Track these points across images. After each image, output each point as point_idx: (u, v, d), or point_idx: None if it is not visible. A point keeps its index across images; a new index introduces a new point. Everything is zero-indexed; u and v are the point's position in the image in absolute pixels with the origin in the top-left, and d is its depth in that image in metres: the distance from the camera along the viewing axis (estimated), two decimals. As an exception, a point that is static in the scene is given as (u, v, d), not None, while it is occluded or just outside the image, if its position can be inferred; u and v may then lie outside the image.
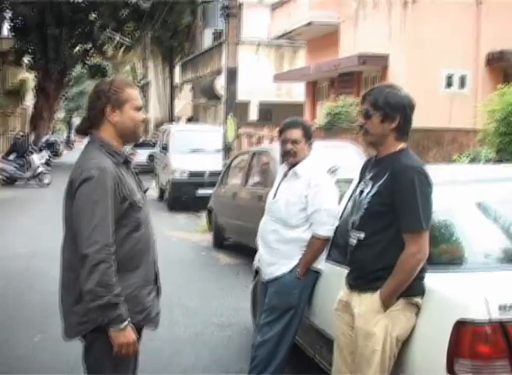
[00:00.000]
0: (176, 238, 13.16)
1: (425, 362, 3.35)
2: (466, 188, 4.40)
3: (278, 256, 4.80)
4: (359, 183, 3.79)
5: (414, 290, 3.46)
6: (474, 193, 4.37)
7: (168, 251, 11.54)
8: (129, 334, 3.16)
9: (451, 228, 4.14)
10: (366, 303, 3.53)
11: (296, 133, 4.82)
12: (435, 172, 4.89)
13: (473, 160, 11.66)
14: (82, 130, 3.44)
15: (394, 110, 3.56)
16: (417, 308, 3.47)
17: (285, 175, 4.94)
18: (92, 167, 3.17)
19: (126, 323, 3.13)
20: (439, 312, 3.36)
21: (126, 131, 3.36)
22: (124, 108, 3.31)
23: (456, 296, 3.31)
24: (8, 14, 38.96)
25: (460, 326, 3.13)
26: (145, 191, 3.56)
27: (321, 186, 4.72)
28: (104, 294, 3.06)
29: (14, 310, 7.29)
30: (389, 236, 3.49)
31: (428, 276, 3.54)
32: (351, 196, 4.64)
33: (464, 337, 3.12)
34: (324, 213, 4.66)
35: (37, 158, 24.48)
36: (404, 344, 3.48)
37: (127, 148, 32.33)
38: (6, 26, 41.08)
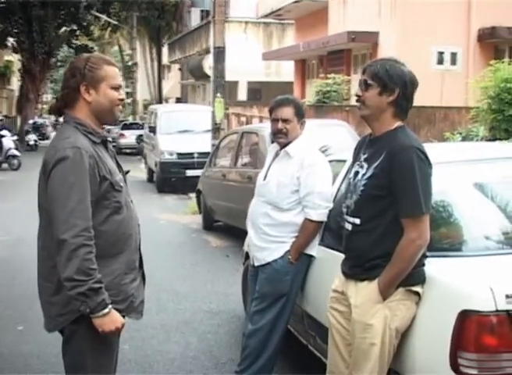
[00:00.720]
0: (165, 220, 12.95)
1: (427, 354, 3.13)
2: (465, 168, 4.18)
3: (268, 241, 4.57)
4: (353, 164, 3.54)
5: (413, 278, 3.23)
6: (475, 172, 4.16)
7: (156, 234, 11.36)
8: (116, 318, 2.98)
9: (451, 210, 3.92)
10: (363, 293, 3.31)
11: (287, 112, 4.58)
12: (431, 150, 4.71)
13: (465, 138, 11.49)
14: (56, 110, 3.20)
15: (394, 82, 3.30)
16: (418, 297, 3.25)
17: (276, 155, 4.71)
18: (66, 146, 2.95)
19: (110, 307, 2.95)
20: (442, 302, 3.14)
21: (102, 111, 3.13)
22: (100, 86, 3.09)
23: (460, 284, 3.08)
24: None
25: (465, 316, 2.92)
26: (126, 173, 3.35)
27: (314, 167, 4.49)
28: (84, 281, 2.86)
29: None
30: (386, 221, 3.26)
31: (428, 262, 3.33)
32: (345, 178, 4.43)
33: (469, 329, 2.91)
34: (317, 196, 4.43)
35: (8, 142, 23.98)
36: (404, 335, 3.27)
37: (116, 130, 32.17)
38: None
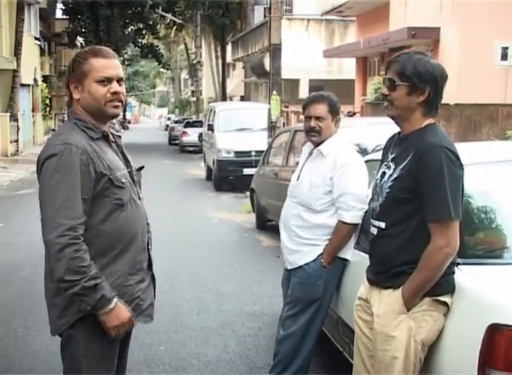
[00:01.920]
0: (219, 219, 12.86)
1: (453, 371, 2.91)
2: (509, 168, 3.90)
3: (301, 243, 4.40)
4: (381, 164, 3.33)
5: (441, 287, 3.00)
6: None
7: (208, 233, 11.31)
8: (121, 313, 2.87)
9: (490, 214, 3.65)
10: (386, 302, 3.09)
11: (320, 109, 4.39)
12: (475, 150, 4.44)
13: (529, 137, 11.06)
14: (68, 106, 3.10)
15: (424, 81, 3.06)
16: (446, 307, 3.02)
17: (309, 154, 4.53)
18: (57, 143, 2.84)
19: (115, 301, 2.83)
20: (470, 314, 2.90)
21: (91, 109, 2.97)
22: (85, 82, 2.93)
23: (490, 295, 2.86)
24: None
25: (494, 331, 2.69)
26: (140, 169, 3.20)
27: (348, 166, 4.28)
28: (76, 281, 2.75)
29: (36, 301, 6.98)
30: (413, 226, 3.03)
31: (460, 269, 3.10)
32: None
33: (499, 345, 2.67)
34: (350, 197, 4.22)
35: None
36: (431, 348, 3.05)
37: (179, 127, 32.11)
38: (59, 8, 41.31)
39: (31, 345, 5.79)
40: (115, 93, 2.95)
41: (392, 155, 3.19)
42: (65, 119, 3.07)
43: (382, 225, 3.16)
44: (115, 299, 2.84)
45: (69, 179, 2.78)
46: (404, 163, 3.05)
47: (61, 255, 2.74)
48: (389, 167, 3.17)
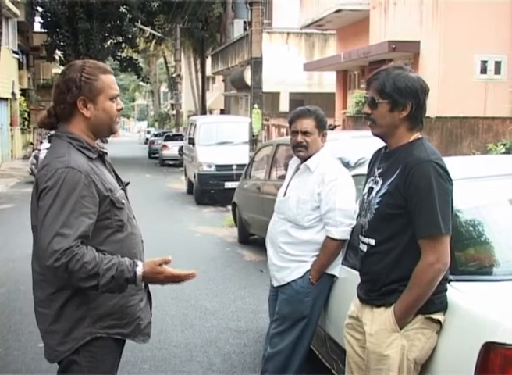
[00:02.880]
0: (201, 234, 12.78)
1: (448, 390, 2.87)
2: (499, 183, 3.88)
3: (288, 260, 4.34)
4: (367, 179, 3.29)
5: (434, 305, 2.96)
6: (508, 188, 3.86)
7: (190, 248, 11.21)
8: (153, 274, 2.80)
9: (480, 229, 3.63)
10: (378, 321, 3.04)
11: (307, 124, 4.35)
12: (463, 164, 4.43)
13: (509, 149, 11.13)
14: (47, 125, 2.97)
15: (405, 97, 3.02)
16: (439, 325, 2.98)
17: (296, 170, 4.48)
18: (58, 167, 2.72)
19: (139, 273, 2.74)
20: (464, 332, 2.86)
21: (101, 126, 2.90)
22: (98, 99, 2.85)
23: (484, 313, 2.81)
24: (38, 9, 39.04)
25: (489, 349, 2.64)
26: (126, 185, 3.13)
27: (336, 182, 4.24)
28: (94, 280, 2.66)
29: (17, 320, 6.92)
30: (404, 242, 2.99)
31: (452, 286, 3.06)
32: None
33: (494, 364, 2.62)
34: (338, 213, 4.18)
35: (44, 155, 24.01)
36: (425, 367, 3.00)
37: (159, 141, 31.91)
38: (37, 22, 41.14)
39: (11, 365, 5.65)
40: (120, 109, 2.93)
41: (379, 170, 3.15)
42: (54, 136, 2.94)
43: (372, 242, 3.11)
44: (139, 270, 2.74)
45: (72, 201, 2.68)
46: (392, 179, 3.01)
47: (68, 273, 2.64)
48: (376, 182, 3.13)
